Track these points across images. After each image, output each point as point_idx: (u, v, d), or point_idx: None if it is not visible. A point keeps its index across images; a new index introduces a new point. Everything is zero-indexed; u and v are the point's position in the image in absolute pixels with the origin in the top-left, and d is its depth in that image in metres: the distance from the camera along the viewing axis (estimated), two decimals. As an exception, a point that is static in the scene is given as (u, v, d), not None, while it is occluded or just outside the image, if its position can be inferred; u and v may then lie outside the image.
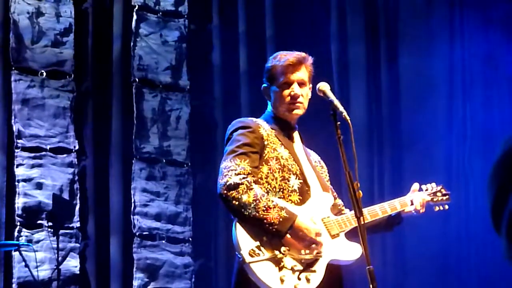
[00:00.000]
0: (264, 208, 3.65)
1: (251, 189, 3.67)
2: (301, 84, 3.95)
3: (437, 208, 4.25)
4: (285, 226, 3.67)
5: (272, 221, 3.65)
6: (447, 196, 4.26)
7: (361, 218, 3.53)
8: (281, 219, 3.66)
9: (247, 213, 3.65)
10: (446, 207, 4.26)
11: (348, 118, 3.63)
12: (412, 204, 4.11)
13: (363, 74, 7.76)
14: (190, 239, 7.16)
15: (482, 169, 7.14)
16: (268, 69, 4.00)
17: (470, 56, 7.67)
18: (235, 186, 3.67)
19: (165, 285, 7.01)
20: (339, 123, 3.66)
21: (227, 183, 3.69)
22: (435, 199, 4.22)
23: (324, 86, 3.80)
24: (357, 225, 3.82)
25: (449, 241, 7.47)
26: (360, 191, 3.60)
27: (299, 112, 3.94)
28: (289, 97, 3.93)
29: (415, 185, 4.20)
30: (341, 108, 3.67)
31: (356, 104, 7.56)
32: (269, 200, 3.68)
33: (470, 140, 7.55)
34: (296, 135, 4.03)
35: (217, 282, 7.26)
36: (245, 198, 3.65)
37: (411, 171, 7.22)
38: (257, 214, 3.64)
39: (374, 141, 7.69)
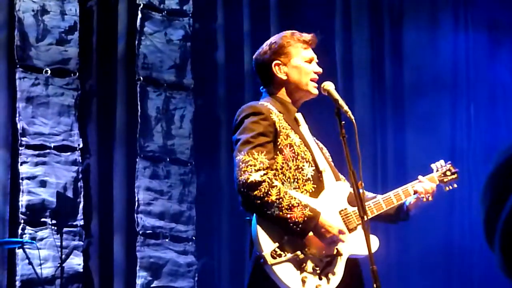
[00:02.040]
0: (288, 207, 3.54)
1: (273, 186, 3.55)
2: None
3: (447, 188, 4.14)
4: (310, 225, 3.58)
5: (297, 220, 3.55)
6: (456, 175, 4.14)
7: (366, 218, 3.52)
8: (305, 218, 3.56)
9: (270, 212, 3.54)
10: (455, 185, 4.16)
11: (352, 117, 3.61)
12: (423, 190, 3.94)
13: (368, 73, 7.76)
14: (194, 238, 7.16)
15: (485, 167, 7.12)
16: (282, 45, 3.88)
17: (475, 54, 7.67)
18: (257, 185, 3.53)
19: (168, 283, 7.01)
20: (343, 122, 3.64)
21: (248, 181, 3.53)
22: (445, 180, 4.11)
23: (328, 85, 3.78)
24: (376, 214, 3.79)
25: (452, 237, 7.47)
26: (364, 191, 3.59)
27: (317, 92, 3.89)
28: (312, 73, 3.87)
29: (421, 177, 4.12)
30: (345, 107, 3.64)
31: (360, 103, 7.56)
32: (291, 198, 3.57)
33: (474, 138, 7.55)
34: (299, 116, 3.93)
35: (220, 281, 7.26)
36: (267, 197, 3.53)
37: (414, 166, 7.22)
38: (281, 213, 3.54)
39: (378, 140, 7.69)
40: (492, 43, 7.60)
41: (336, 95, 3.71)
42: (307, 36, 3.92)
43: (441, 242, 7.43)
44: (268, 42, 3.96)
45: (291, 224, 3.56)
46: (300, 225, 3.56)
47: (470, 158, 7.52)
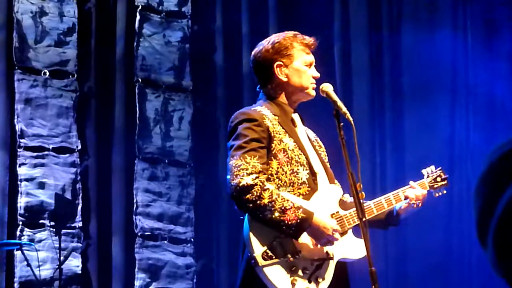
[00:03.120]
0: (281, 210, 3.55)
1: (266, 189, 3.56)
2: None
3: (437, 194, 4.13)
4: (303, 227, 3.59)
5: (290, 223, 3.56)
6: (445, 181, 4.12)
7: (364, 219, 3.51)
8: (298, 220, 3.57)
9: (263, 216, 3.56)
10: (445, 191, 4.16)
11: (351, 119, 3.61)
12: (413, 197, 3.93)
13: (366, 74, 7.76)
14: (192, 239, 7.16)
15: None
16: (285, 46, 3.86)
17: (474, 56, 7.67)
18: (249, 188, 3.55)
19: (167, 285, 7.01)
20: (342, 124, 3.64)
21: (240, 184, 3.56)
22: (435, 186, 4.09)
23: (327, 86, 3.78)
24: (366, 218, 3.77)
25: (451, 243, 7.47)
26: (362, 192, 3.58)
27: (315, 94, 3.89)
28: (311, 77, 3.86)
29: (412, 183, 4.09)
30: (344, 109, 3.65)
31: (359, 105, 7.56)
32: (284, 200, 3.58)
33: (473, 140, 7.55)
34: (296, 116, 3.93)
35: (218, 283, 7.26)
36: (260, 200, 3.54)
37: (413, 170, 7.22)
38: (274, 217, 3.55)
39: (377, 142, 7.69)
40: (491, 45, 7.60)
41: (334, 97, 3.72)
42: (309, 40, 3.91)
43: (440, 247, 7.42)
44: (269, 40, 3.93)
45: (285, 227, 3.57)
46: (293, 227, 3.58)
47: (469, 161, 7.51)
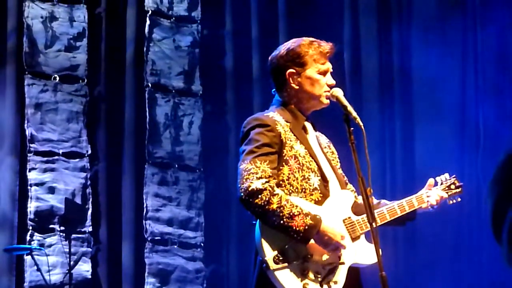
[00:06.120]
0: (289, 216, 3.55)
1: (275, 194, 3.56)
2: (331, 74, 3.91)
3: (450, 202, 4.14)
4: (311, 234, 3.59)
5: (298, 229, 3.55)
6: (460, 189, 4.13)
7: (374, 224, 3.50)
8: (306, 227, 3.56)
9: (270, 221, 3.56)
10: (459, 199, 4.14)
11: (361, 123, 3.60)
12: (428, 201, 3.99)
13: (376, 80, 7.75)
14: (202, 244, 7.16)
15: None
16: (298, 53, 3.83)
17: (484, 59, 7.65)
18: (258, 192, 3.55)
19: (177, 290, 7.02)
20: (352, 128, 3.63)
21: (249, 188, 3.56)
22: (449, 193, 4.10)
23: (337, 91, 3.77)
24: (379, 224, 3.76)
25: (461, 243, 7.46)
26: (373, 197, 3.58)
27: (328, 102, 3.87)
28: (325, 86, 3.84)
29: (431, 180, 4.11)
30: (354, 114, 3.64)
31: (369, 110, 7.55)
32: (293, 206, 3.57)
33: (483, 145, 7.54)
34: (308, 124, 3.92)
35: (228, 287, 7.25)
36: (268, 205, 3.54)
37: (423, 175, 7.19)
38: (282, 222, 3.55)
39: (387, 146, 7.67)
40: (502, 46, 7.58)
41: (344, 101, 3.70)
42: (325, 47, 3.87)
43: (450, 247, 7.42)
44: (286, 46, 3.91)
45: (292, 233, 3.56)
46: (301, 234, 3.57)
47: (479, 165, 7.49)
